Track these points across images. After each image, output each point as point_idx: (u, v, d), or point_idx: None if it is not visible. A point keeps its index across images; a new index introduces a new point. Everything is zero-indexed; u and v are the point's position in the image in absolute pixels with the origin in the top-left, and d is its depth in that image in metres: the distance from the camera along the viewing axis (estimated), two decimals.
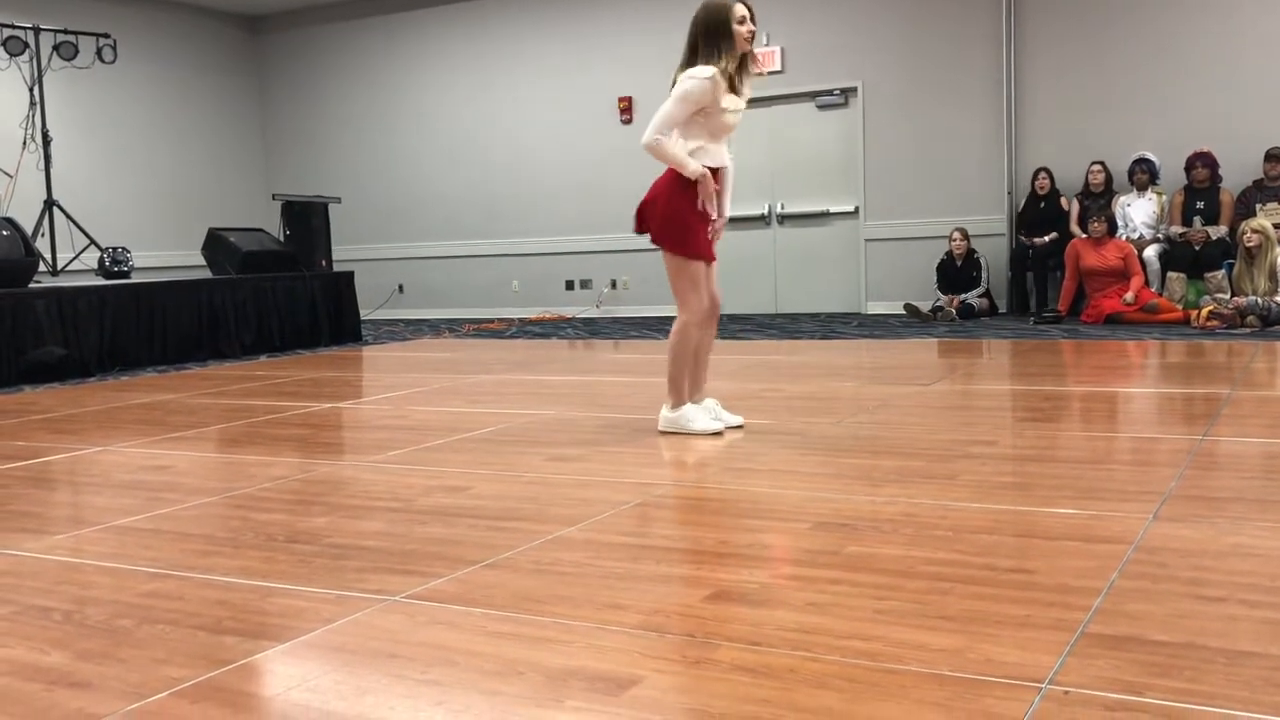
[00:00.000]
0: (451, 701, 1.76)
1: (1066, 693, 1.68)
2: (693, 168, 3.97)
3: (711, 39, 3.95)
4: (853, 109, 10.25)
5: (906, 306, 9.53)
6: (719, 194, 4.13)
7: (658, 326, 9.66)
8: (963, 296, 9.27)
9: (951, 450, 3.63)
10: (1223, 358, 5.96)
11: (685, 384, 4.21)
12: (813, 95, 10.39)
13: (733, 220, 10.89)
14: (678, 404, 4.21)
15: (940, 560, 2.40)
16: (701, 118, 4.00)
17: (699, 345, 4.20)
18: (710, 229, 4.13)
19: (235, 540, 2.84)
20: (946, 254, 9.51)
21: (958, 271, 9.43)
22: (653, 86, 11.01)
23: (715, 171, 4.08)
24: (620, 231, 11.20)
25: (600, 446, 3.97)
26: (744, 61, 4.04)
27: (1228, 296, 7.86)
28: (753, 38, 4.01)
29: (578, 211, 11.50)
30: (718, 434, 4.13)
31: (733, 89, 3.99)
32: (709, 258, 4.13)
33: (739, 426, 4.26)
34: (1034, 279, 9.32)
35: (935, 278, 9.57)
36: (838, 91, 10.28)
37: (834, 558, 2.45)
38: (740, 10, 3.94)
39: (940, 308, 9.20)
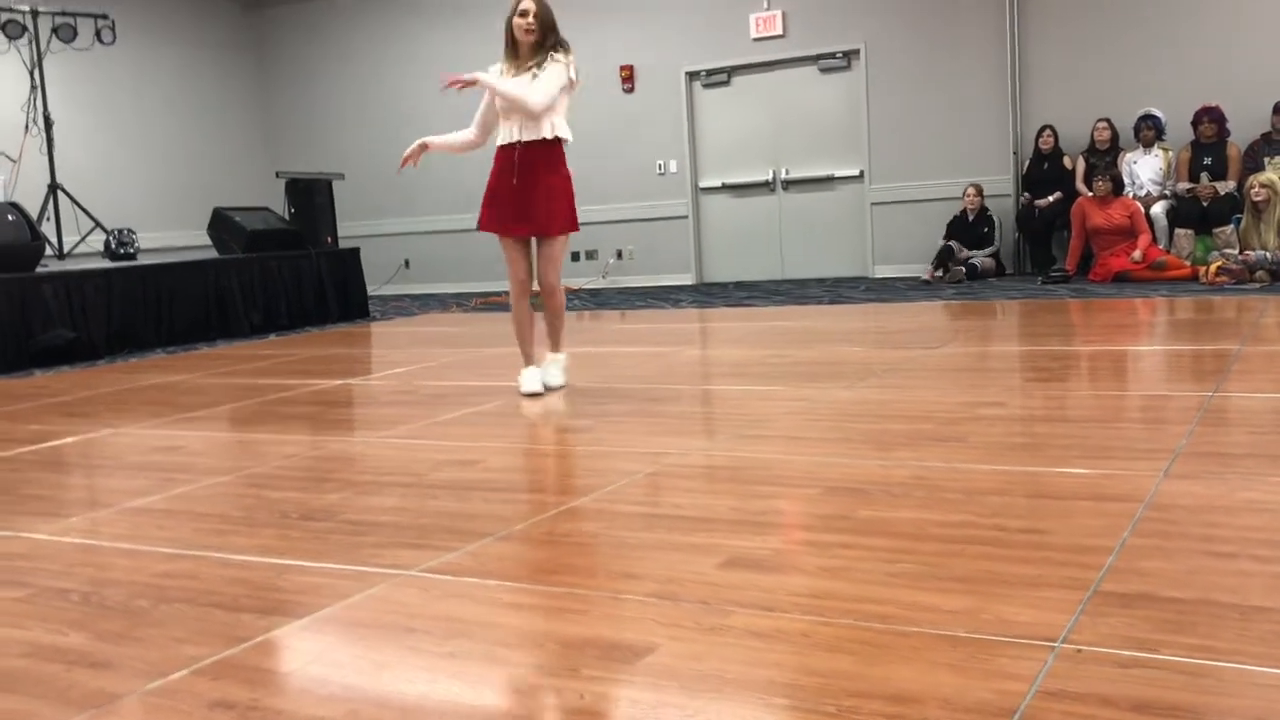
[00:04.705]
0: (469, 673, 1.78)
1: (1079, 651, 1.69)
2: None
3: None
4: (855, 71, 10.18)
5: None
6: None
7: (664, 296, 9.66)
8: (972, 254, 9.23)
9: (961, 412, 3.63)
10: (1232, 313, 5.94)
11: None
12: (814, 58, 10.31)
13: (736, 186, 10.89)
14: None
15: (951, 522, 2.40)
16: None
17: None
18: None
19: (250, 519, 2.86)
20: (960, 212, 9.46)
21: (969, 228, 9.38)
22: (654, 55, 10.95)
23: (503, 147, 4.48)
24: (625, 201, 11.17)
25: (609, 417, 3.98)
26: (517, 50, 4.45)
27: (1236, 252, 7.82)
28: (528, 29, 4.39)
29: (581, 182, 11.35)
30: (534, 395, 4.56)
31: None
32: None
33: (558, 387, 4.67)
34: (1040, 239, 9.29)
35: (944, 234, 9.50)
36: (840, 54, 10.20)
37: (845, 522, 2.46)
38: (516, 5, 4.41)
39: (950, 249, 9.16)
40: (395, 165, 5.15)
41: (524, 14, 4.39)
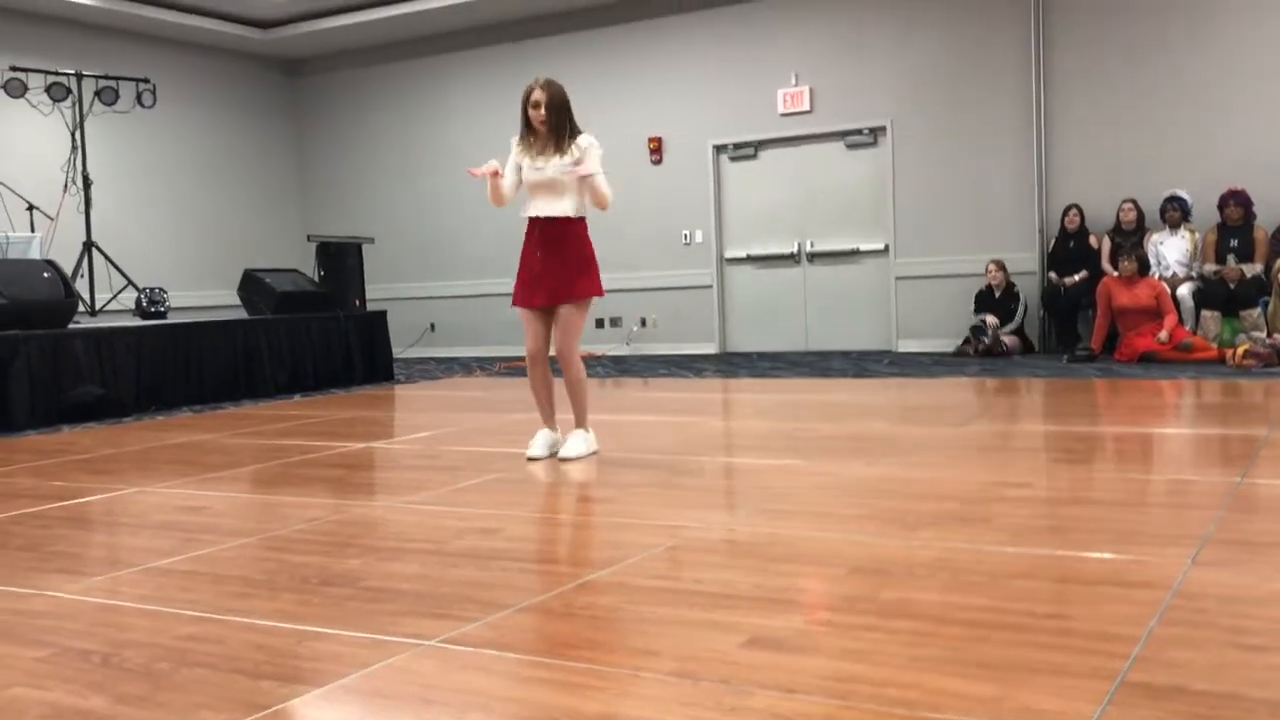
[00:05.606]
0: None
1: None
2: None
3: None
4: (882, 148, 10.27)
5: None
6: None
7: (687, 364, 9.67)
8: (1000, 327, 9.25)
9: (986, 493, 3.60)
10: (1260, 397, 5.89)
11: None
12: (842, 134, 10.42)
13: (762, 258, 10.96)
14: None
15: (977, 606, 2.38)
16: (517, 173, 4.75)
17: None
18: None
19: (271, 583, 2.86)
20: (985, 287, 9.49)
21: (997, 304, 9.39)
22: (683, 128, 11.09)
23: (531, 219, 4.72)
24: (650, 269, 11.25)
25: (630, 488, 3.97)
26: (534, 134, 4.69)
27: (1264, 335, 7.78)
28: (541, 120, 4.61)
29: (608, 250, 11.43)
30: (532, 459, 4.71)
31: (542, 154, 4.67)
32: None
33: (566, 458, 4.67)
34: (1065, 318, 9.29)
35: (973, 307, 9.52)
36: (867, 131, 10.31)
37: (869, 603, 2.44)
38: (528, 96, 4.64)
39: (980, 327, 9.16)
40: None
41: (535, 105, 4.62)
